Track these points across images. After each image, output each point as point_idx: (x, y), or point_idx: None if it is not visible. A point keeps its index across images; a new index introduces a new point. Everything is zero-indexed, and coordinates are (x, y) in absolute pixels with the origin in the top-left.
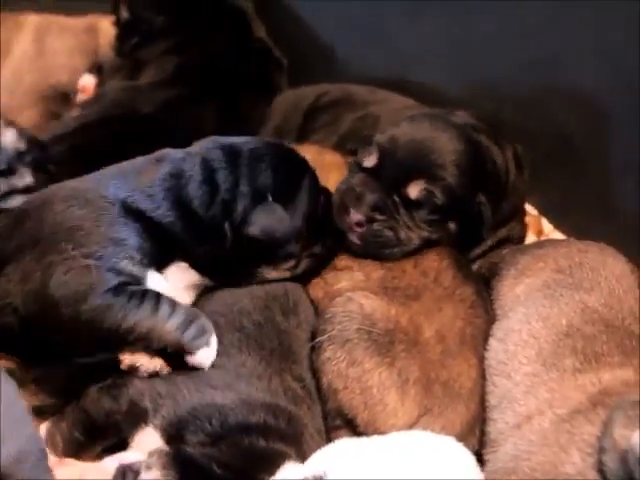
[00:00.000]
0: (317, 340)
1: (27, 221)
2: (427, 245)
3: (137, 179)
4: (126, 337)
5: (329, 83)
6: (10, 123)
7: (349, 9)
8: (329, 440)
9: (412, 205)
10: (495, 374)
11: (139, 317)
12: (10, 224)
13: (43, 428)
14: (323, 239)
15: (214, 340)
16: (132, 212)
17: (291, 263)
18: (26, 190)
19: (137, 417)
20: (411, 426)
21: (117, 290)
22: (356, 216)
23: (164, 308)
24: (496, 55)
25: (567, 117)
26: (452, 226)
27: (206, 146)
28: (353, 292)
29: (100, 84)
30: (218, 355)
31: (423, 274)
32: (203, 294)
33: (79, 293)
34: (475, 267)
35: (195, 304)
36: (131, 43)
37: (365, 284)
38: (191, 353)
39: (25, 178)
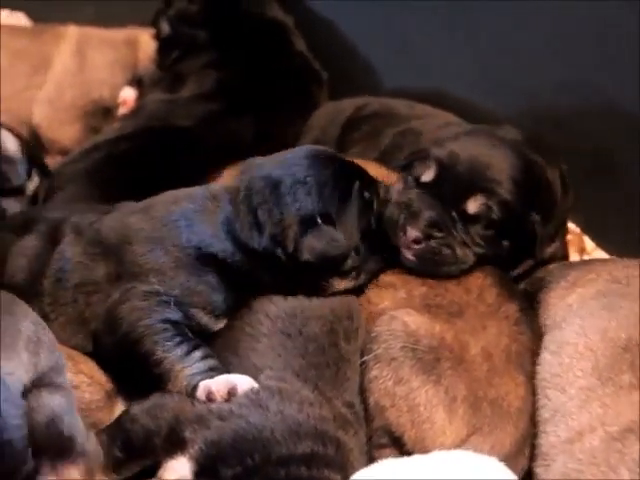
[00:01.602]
0: (363, 359)
1: (109, 256)
2: (479, 263)
3: (204, 224)
4: (153, 368)
5: (368, 96)
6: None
7: (388, 24)
8: (373, 459)
9: (469, 221)
10: (548, 387)
11: (170, 354)
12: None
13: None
14: (380, 246)
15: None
16: (205, 257)
17: (353, 275)
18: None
19: (175, 445)
20: (459, 445)
21: (173, 324)
22: (413, 233)
23: (195, 355)
24: (533, 72)
25: (606, 134)
26: (505, 243)
27: (248, 179)
28: (396, 310)
29: (140, 97)
30: (276, 380)
31: (466, 291)
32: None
33: (142, 310)
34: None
35: (266, 319)
36: (172, 57)
37: (407, 302)
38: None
39: (34, 181)
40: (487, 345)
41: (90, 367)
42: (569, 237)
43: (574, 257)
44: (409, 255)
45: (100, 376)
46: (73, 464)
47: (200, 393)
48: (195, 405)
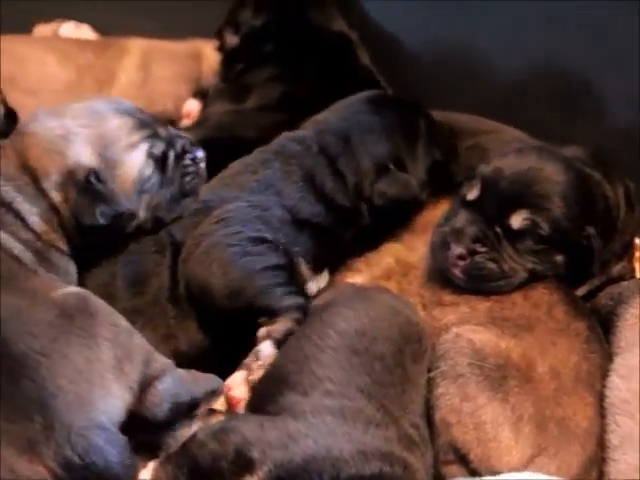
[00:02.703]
0: (431, 375)
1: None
2: (534, 278)
3: (286, 189)
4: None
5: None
6: None
7: (452, 38)
8: (440, 476)
9: (515, 236)
10: (618, 413)
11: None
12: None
13: (150, 467)
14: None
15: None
16: (298, 221)
17: None
18: None
19: (243, 467)
20: (526, 465)
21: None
22: (457, 249)
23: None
24: (606, 89)
25: None
26: (559, 259)
27: (316, 135)
28: (460, 327)
29: (204, 109)
30: (339, 396)
31: (535, 306)
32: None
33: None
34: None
35: (335, 334)
36: (236, 69)
37: (471, 315)
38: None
39: None
40: (556, 363)
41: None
42: (637, 254)
43: None
44: (457, 273)
45: None
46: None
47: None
48: (263, 426)
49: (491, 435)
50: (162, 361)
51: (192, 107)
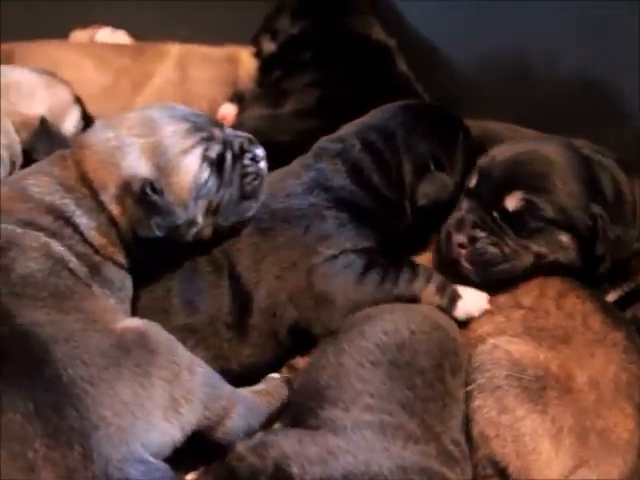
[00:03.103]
0: (468, 389)
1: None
2: (542, 262)
3: (335, 185)
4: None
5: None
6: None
7: (491, 46)
8: None
9: (514, 219)
10: None
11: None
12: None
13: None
14: None
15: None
16: (355, 216)
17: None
18: None
19: None
20: (566, 478)
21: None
22: (457, 237)
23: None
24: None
25: None
26: (565, 239)
27: (359, 132)
28: (497, 338)
29: (240, 113)
30: (379, 411)
31: (569, 316)
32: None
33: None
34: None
35: (375, 347)
36: (274, 75)
37: (507, 325)
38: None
39: None
40: (594, 374)
41: None
42: None
43: None
44: (464, 263)
45: None
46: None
47: (461, 313)
48: (302, 442)
49: (531, 447)
50: (228, 396)
51: (228, 111)
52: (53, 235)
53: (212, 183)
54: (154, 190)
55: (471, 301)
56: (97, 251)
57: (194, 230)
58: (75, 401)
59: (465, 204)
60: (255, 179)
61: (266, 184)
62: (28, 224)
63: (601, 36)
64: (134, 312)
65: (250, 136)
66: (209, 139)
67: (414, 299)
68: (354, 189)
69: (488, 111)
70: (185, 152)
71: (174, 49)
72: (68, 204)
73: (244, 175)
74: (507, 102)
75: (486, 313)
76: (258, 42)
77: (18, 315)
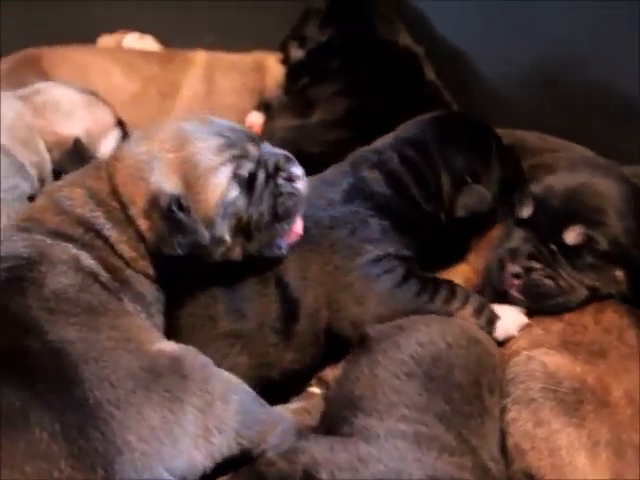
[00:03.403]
0: (501, 402)
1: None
2: (595, 296)
3: (375, 192)
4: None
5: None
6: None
7: (518, 54)
8: None
9: (571, 252)
10: None
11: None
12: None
13: None
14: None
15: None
16: (396, 223)
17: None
18: None
19: None
20: None
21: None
22: (512, 268)
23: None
24: None
25: None
26: (619, 274)
27: (396, 145)
28: (532, 350)
29: (267, 122)
30: (415, 422)
31: (606, 331)
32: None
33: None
34: None
35: (410, 359)
36: (301, 83)
37: (544, 338)
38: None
39: None
40: (631, 388)
41: None
42: None
43: None
44: (515, 293)
45: None
46: None
47: (500, 334)
48: (333, 448)
49: (567, 461)
50: (265, 421)
51: (255, 120)
52: (84, 247)
53: (241, 202)
54: (180, 207)
55: (510, 320)
56: (128, 264)
57: (222, 249)
58: (101, 424)
59: (518, 233)
60: (289, 199)
61: (304, 203)
62: (59, 235)
63: (629, 42)
64: (177, 319)
65: (288, 154)
66: (242, 156)
67: (448, 316)
68: (393, 197)
69: (515, 119)
70: (214, 169)
71: (201, 57)
72: (98, 217)
73: (277, 195)
74: (534, 109)
75: (524, 327)
76: (286, 49)
77: (50, 331)
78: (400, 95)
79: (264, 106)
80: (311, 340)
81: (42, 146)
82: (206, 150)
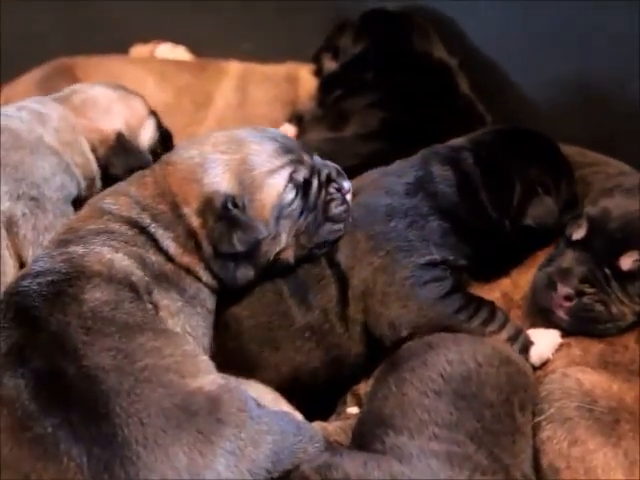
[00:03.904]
0: (535, 419)
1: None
2: None
3: (442, 191)
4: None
5: None
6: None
7: (554, 66)
8: None
9: (625, 278)
10: None
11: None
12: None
13: None
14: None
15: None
16: (457, 228)
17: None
18: None
19: None
20: None
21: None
22: (564, 290)
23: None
24: None
25: None
26: None
27: (472, 146)
28: (567, 367)
29: (300, 134)
30: (447, 442)
31: None
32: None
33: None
34: None
35: (439, 377)
36: (334, 95)
37: (582, 359)
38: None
39: None
40: None
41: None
42: None
43: None
44: (562, 314)
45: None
46: None
47: (535, 359)
48: (366, 465)
49: None
50: (296, 452)
51: (288, 131)
52: (125, 244)
53: (296, 205)
54: (235, 205)
55: (544, 345)
56: (170, 259)
57: (276, 249)
58: (126, 463)
59: (571, 254)
60: (340, 206)
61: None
62: (100, 234)
63: None
64: (249, 320)
65: (339, 168)
66: (298, 162)
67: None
68: (458, 201)
69: (549, 132)
70: (272, 172)
71: (234, 67)
72: (145, 218)
73: (328, 202)
74: (569, 122)
75: (564, 345)
76: (319, 60)
77: (86, 355)
78: (434, 107)
79: (296, 118)
80: (363, 330)
81: (86, 146)
82: (262, 153)
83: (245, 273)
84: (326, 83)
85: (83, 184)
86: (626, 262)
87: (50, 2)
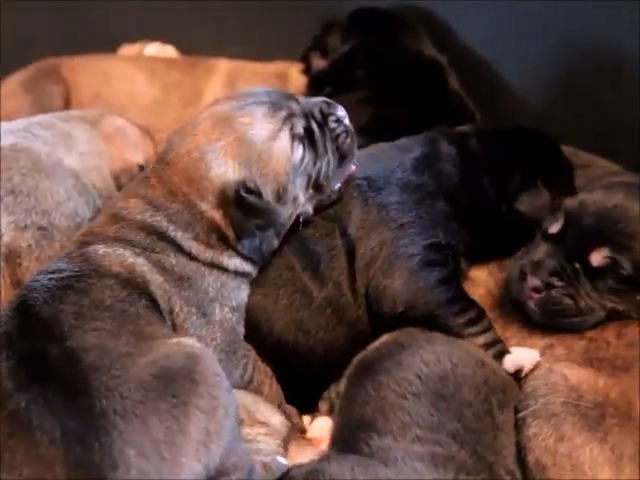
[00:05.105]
0: (520, 415)
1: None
2: (614, 317)
3: (446, 171)
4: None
5: None
6: None
7: (545, 65)
8: None
9: (595, 274)
10: None
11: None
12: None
13: None
14: None
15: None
16: (457, 212)
17: None
18: None
19: None
20: None
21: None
22: (533, 281)
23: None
24: None
25: None
26: None
27: (478, 131)
28: (553, 363)
29: None
30: (430, 443)
31: (630, 345)
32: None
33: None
34: None
35: (416, 379)
36: (324, 92)
37: (567, 357)
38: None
39: None
40: None
41: (265, 414)
42: None
43: None
44: (532, 305)
45: (275, 420)
46: None
47: (509, 366)
48: (353, 470)
49: (590, 476)
50: (242, 456)
51: None
52: (144, 250)
53: (308, 158)
54: (249, 191)
55: (521, 354)
56: (194, 258)
57: (297, 211)
58: (101, 434)
59: (544, 247)
60: (347, 137)
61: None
62: (119, 240)
63: None
64: (275, 302)
65: (326, 99)
66: (290, 115)
67: (458, 337)
68: (459, 183)
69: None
70: (272, 138)
71: (223, 64)
72: (160, 220)
73: (335, 138)
74: (560, 121)
75: (548, 347)
76: (308, 59)
77: (70, 336)
78: (424, 103)
79: None
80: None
81: (107, 173)
82: (255, 123)
83: (271, 244)
84: (316, 81)
85: (99, 201)
86: (596, 258)
87: (39, 2)
